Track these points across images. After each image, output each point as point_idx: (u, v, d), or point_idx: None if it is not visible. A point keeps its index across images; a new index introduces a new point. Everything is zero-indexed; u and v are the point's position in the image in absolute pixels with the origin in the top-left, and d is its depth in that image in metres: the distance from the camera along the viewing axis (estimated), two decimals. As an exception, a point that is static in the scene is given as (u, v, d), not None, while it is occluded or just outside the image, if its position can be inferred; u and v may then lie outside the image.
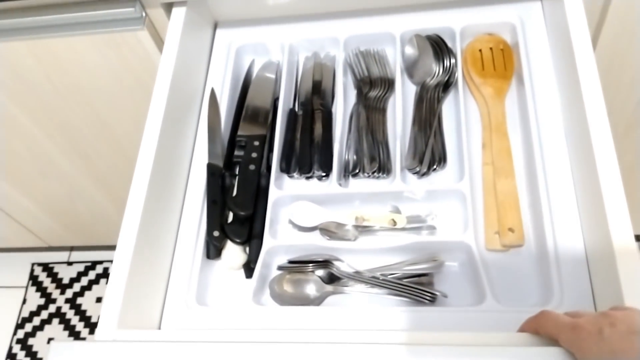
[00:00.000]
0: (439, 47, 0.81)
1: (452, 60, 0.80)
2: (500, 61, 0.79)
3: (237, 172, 0.76)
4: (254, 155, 0.76)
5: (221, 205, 0.73)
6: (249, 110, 0.82)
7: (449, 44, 0.81)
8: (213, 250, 0.71)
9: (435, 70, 0.80)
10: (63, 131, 1.05)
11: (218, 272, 0.72)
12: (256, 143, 0.78)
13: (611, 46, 0.83)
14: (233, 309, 0.66)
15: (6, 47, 0.86)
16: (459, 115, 0.75)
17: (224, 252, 0.71)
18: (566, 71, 0.71)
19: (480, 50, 0.80)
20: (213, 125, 0.80)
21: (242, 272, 0.71)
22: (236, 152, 0.78)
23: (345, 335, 0.53)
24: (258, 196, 0.74)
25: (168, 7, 0.81)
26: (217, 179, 0.75)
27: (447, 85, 0.80)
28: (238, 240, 0.71)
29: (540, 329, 0.51)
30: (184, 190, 0.76)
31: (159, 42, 0.85)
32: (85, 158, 1.14)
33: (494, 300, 0.62)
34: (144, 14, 0.81)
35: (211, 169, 0.75)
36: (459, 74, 0.78)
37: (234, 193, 0.74)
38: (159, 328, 0.67)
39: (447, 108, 0.79)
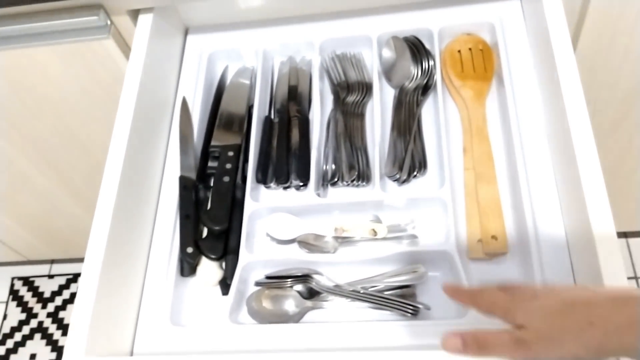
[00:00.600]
0: (416, 49, 0.79)
1: (431, 62, 0.78)
2: (480, 62, 0.77)
3: (211, 185, 0.74)
4: (228, 166, 0.73)
5: (195, 219, 0.70)
6: (222, 118, 0.79)
7: (427, 46, 0.79)
8: (187, 267, 0.68)
9: (413, 73, 0.78)
10: (34, 146, 1.02)
11: (193, 289, 0.69)
12: (230, 153, 0.75)
13: (592, 45, 0.81)
14: (209, 328, 0.64)
15: (-32, 60, 0.83)
16: (439, 118, 0.73)
17: (199, 269, 0.69)
18: (546, 71, 0.69)
19: (459, 51, 0.78)
20: (185, 136, 0.77)
21: (218, 288, 0.68)
22: (210, 164, 0.76)
23: (326, 358, 0.51)
24: (233, 209, 0.71)
25: (134, 14, 0.78)
26: (190, 192, 0.72)
27: (426, 88, 0.77)
28: (213, 256, 0.68)
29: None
30: (155, 204, 0.74)
31: (127, 50, 0.82)
32: (59, 172, 1.11)
33: (477, 314, 0.59)
34: (108, 22, 0.77)
35: (183, 182, 0.73)
36: (437, 77, 0.76)
37: (208, 207, 0.71)
38: (132, 351, 0.64)
39: (427, 112, 0.76)
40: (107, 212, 0.64)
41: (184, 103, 0.79)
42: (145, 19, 0.77)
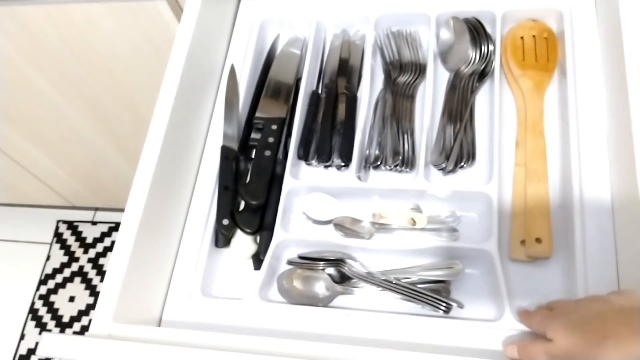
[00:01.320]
0: (477, 32, 0.75)
1: (491, 47, 0.74)
2: (543, 51, 0.72)
3: (252, 157, 0.73)
4: (271, 140, 0.72)
5: (233, 191, 0.70)
6: (270, 88, 0.78)
7: (488, 30, 0.75)
8: (222, 238, 0.68)
9: (471, 57, 0.74)
10: (83, 98, 1.03)
11: (226, 261, 0.69)
12: (274, 127, 0.73)
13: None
14: (238, 303, 0.64)
15: (24, 12, 0.83)
16: (493, 108, 0.70)
17: (234, 241, 0.69)
18: (614, 68, 0.65)
19: (522, 38, 0.74)
20: (230, 105, 0.76)
21: (250, 263, 0.68)
22: (253, 135, 0.75)
23: (349, 351, 0.50)
24: (272, 184, 0.70)
25: (189, -24, 0.76)
26: (230, 163, 0.72)
27: (482, 74, 0.74)
28: (248, 230, 0.67)
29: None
30: (196, 171, 0.73)
31: (179, 13, 0.81)
32: (106, 124, 1.12)
33: (513, 318, 0.58)
34: (163, -17, 0.76)
35: (225, 152, 0.72)
36: (496, 63, 0.72)
37: (247, 180, 0.70)
38: (160, 319, 0.64)
39: (481, 99, 0.73)
40: (148, 174, 0.65)
41: (232, 71, 0.78)
42: (199, -18, 0.75)
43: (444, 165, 0.69)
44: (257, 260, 0.67)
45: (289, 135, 0.74)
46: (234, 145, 0.73)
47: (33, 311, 1.58)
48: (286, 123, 0.75)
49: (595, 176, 0.63)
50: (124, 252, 0.60)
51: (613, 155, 0.63)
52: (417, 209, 0.68)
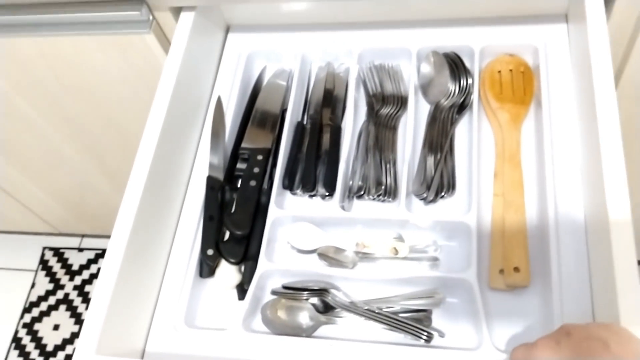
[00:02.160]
0: (456, 66, 0.78)
1: (469, 81, 0.76)
2: (520, 85, 0.75)
3: (237, 187, 0.74)
4: (256, 170, 0.74)
5: (218, 221, 0.71)
6: (256, 118, 0.79)
7: (467, 64, 0.78)
8: (206, 268, 0.69)
9: (450, 90, 0.77)
10: (72, 127, 1.04)
11: (210, 291, 0.70)
12: (259, 157, 0.75)
13: (637, 77, 0.78)
14: (221, 335, 0.64)
15: (13, 43, 0.85)
16: (472, 139, 0.72)
17: (218, 271, 0.69)
18: (586, 101, 0.67)
19: (499, 72, 0.76)
20: (217, 135, 0.77)
21: (235, 293, 0.69)
22: (238, 165, 0.76)
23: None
24: (257, 214, 0.71)
25: (176, 11, 0.78)
26: (216, 193, 0.73)
27: (462, 106, 0.76)
28: (232, 260, 0.68)
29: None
30: (181, 202, 0.74)
31: (167, 45, 0.82)
32: (94, 152, 1.13)
33: (492, 346, 0.59)
34: (150, 18, 0.78)
35: (211, 183, 0.73)
36: (475, 96, 0.75)
37: (232, 210, 0.71)
38: (144, 350, 0.65)
39: (461, 131, 0.75)
40: (134, 203, 0.65)
41: (219, 102, 0.80)
42: (187, 16, 0.77)
43: (425, 195, 0.70)
44: (241, 290, 0.68)
45: (274, 165, 0.75)
46: (220, 175, 0.74)
47: (16, 340, 1.56)
48: (272, 153, 0.76)
49: (570, 206, 0.65)
50: (108, 282, 0.61)
51: (586, 185, 0.65)
52: (400, 238, 0.69)
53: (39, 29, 0.81)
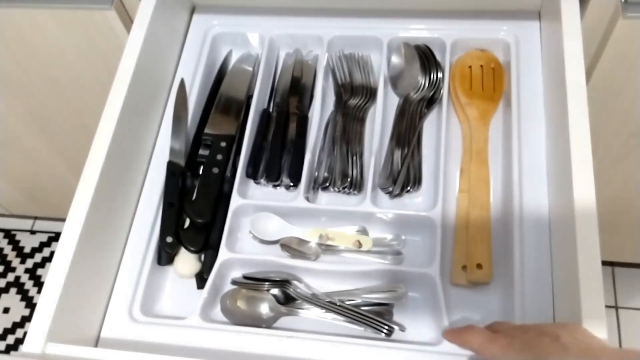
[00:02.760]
0: (427, 58, 0.77)
1: (440, 75, 0.76)
2: (490, 81, 0.75)
3: (199, 173, 0.72)
4: (219, 157, 0.72)
5: (178, 208, 0.69)
6: (220, 104, 0.77)
7: (438, 57, 0.77)
8: (165, 256, 0.67)
9: (420, 84, 0.76)
10: (26, 106, 1.00)
11: (168, 279, 0.68)
12: (223, 144, 0.73)
13: (608, 76, 0.79)
14: (179, 323, 0.62)
15: (-35, 14, 0.80)
16: (440, 134, 0.71)
17: (177, 259, 0.67)
18: (555, 99, 0.67)
19: (470, 67, 0.76)
20: (179, 119, 0.75)
21: (194, 281, 0.67)
22: (201, 151, 0.74)
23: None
24: (219, 202, 0.69)
25: (141, -13, 0.75)
26: (176, 179, 0.70)
27: (431, 100, 0.75)
28: (192, 249, 0.66)
29: (464, 343, 0.55)
30: (140, 186, 0.72)
31: (129, 24, 0.79)
32: (49, 132, 1.08)
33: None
34: (113, -7, 0.75)
35: (171, 168, 0.71)
36: (444, 91, 0.74)
37: (194, 197, 0.69)
38: (98, 337, 0.62)
39: (429, 125, 0.74)
40: (91, 185, 0.63)
41: (182, 85, 0.77)
42: (151, -6, 0.74)
43: (390, 189, 0.69)
44: (201, 279, 0.66)
45: (237, 153, 0.73)
46: (181, 161, 0.72)
47: (-36, 323, 1.50)
48: (235, 140, 0.74)
49: (534, 204, 0.65)
50: (61, 268, 0.58)
51: (552, 183, 0.66)
52: (364, 232, 0.68)
53: (-8, 0, 0.77)
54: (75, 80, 0.92)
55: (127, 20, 0.79)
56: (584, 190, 0.58)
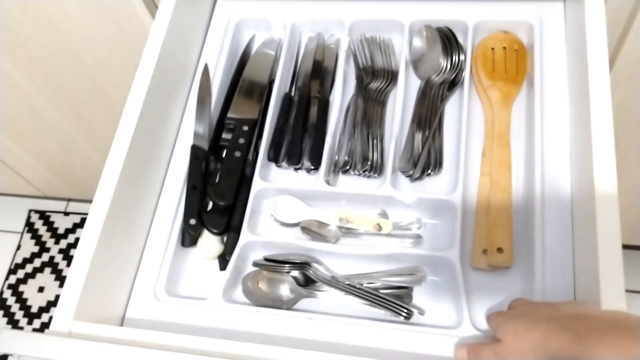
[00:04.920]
0: (448, 41, 0.76)
1: (462, 57, 0.75)
2: (513, 63, 0.74)
3: (222, 157, 0.73)
4: (242, 141, 0.73)
5: (201, 191, 0.70)
6: (243, 88, 0.78)
7: (460, 39, 0.76)
8: (188, 238, 0.69)
9: (442, 66, 0.75)
10: (57, 90, 1.02)
11: (192, 260, 0.70)
12: (245, 128, 0.74)
13: (633, 59, 0.77)
14: (202, 304, 0.64)
15: (-3, 2, 0.82)
16: (462, 117, 0.71)
17: (200, 241, 0.69)
18: (578, 82, 0.66)
19: (492, 49, 0.75)
20: (202, 104, 0.76)
21: (216, 263, 0.69)
22: (224, 135, 0.75)
23: (308, 356, 0.51)
24: (241, 185, 0.70)
25: (165, -26, 0.76)
26: (200, 162, 0.72)
27: (453, 83, 0.75)
28: (215, 231, 0.68)
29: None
30: (165, 169, 0.74)
31: (154, 10, 0.80)
32: (79, 116, 1.11)
33: (472, 325, 0.59)
34: (138, -21, 0.76)
35: (195, 152, 0.72)
36: (466, 73, 0.73)
37: (216, 180, 0.71)
38: (123, 317, 0.65)
39: (450, 108, 0.74)
40: (117, 168, 0.64)
41: (206, 70, 0.78)
42: (175, -20, 0.75)
43: (411, 172, 0.69)
44: (223, 260, 0.68)
45: (259, 136, 0.74)
46: (205, 145, 0.73)
47: (1, 300, 1.56)
48: (258, 124, 0.75)
49: (557, 188, 0.65)
50: (89, 248, 0.60)
51: (574, 167, 0.65)
52: (384, 215, 0.69)
53: (22, -11, 0.79)
54: (103, 66, 0.94)
55: (152, 6, 0.80)
56: (605, 176, 0.57)
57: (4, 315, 1.54)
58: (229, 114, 0.75)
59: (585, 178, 0.61)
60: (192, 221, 0.68)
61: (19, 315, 1.54)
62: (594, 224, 0.56)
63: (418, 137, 0.72)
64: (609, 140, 0.59)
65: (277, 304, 0.64)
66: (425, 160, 0.70)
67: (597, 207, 0.56)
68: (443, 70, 0.75)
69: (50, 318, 1.50)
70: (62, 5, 0.81)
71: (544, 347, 0.47)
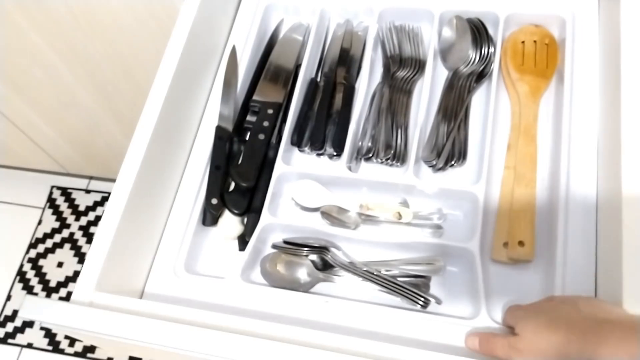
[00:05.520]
0: (479, 32, 0.76)
1: (491, 49, 0.74)
2: (543, 57, 0.73)
3: (245, 139, 0.73)
4: (266, 124, 0.73)
5: (224, 171, 0.71)
6: (269, 71, 0.78)
7: (491, 31, 0.75)
8: (209, 217, 0.69)
9: (471, 57, 0.75)
10: (84, 66, 1.03)
11: (212, 240, 0.70)
12: (270, 111, 0.74)
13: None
14: (220, 283, 0.64)
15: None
16: (488, 109, 0.70)
17: (221, 221, 0.69)
18: (610, 80, 0.65)
19: (523, 42, 0.74)
20: (229, 85, 0.76)
21: (236, 243, 0.69)
22: (248, 118, 0.75)
23: (324, 338, 0.51)
24: (263, 168, 0.71)
25: (197, -45, 0.76)
26: (224, 143, 0.72)
27: (481, 75, 0.74)
28: (236, 211, 0.68)
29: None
30: (189, 149, 0.74)
31: (185, -10, 0.80)
32: (105, 93, 1.12)
33: (488, 317, 0.59)
34: (170, -41, 0.76)
35: (219, 132, 0.73)
36: (495, 65, 0.73)
37: (239, 161, 0.71)
38: (143, 291, 0.65)
39: (477, 100, 0.73)
40: (142, 146, 0.65)
41: (233, 52, 0.78)
42: (206, -39, 0.75)
43: (434, 162, 0.69)
44: (243, 241, 0.68)
45: (284, 120, 0.74)
46: (229, 126, 0.74)
47: (21, 274, 1.59)
48: (282, 108, 0.75)
49: (583, 184, 0.64)
50: (112, 222, 0.61)
51: (601, 165, 0.64)
52: (405, 204, 0.68)
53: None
54: (133, 45, 0.94)
55: (183, -13, 0.80)
56: (634, 175, 0.56)
57: (24, 288, 1.57)
58: (255, 97, 0.76)
59: (612, 179, 0.60)
60: (214, 201, 0.68)
61: (37, 288, 1.56)
62: (620, 229, 0.55)
63: (443, 127, 0.71)
64: (638, 142, 0.58)
65: (295, 286, 0.65)
66: (449, 151, 0.69)
67: (623, 212, 0.56)
68: (471, 62, 0.75)
69: (68, 293, 1.53)
70: (94, -19, 0.82)
71: (563, 348, 0.48)
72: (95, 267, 0.58)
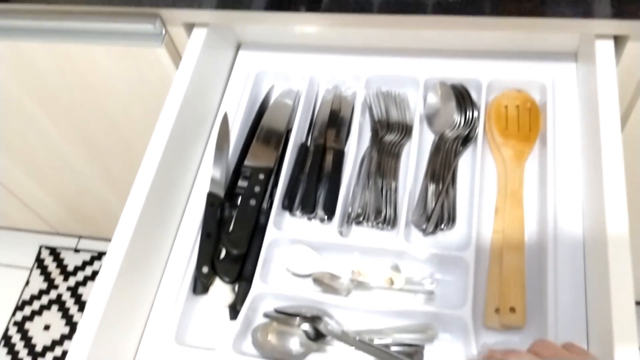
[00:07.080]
0: (462, 97, 0.78)
1: (475, 114, 0.76)
2: (526, 122, 0.75)
3: (237, 204, 0.74)
4: (257, 189, 0.74)
5: (215, 238, 0.71)
6: (261, 135, 0.79)
7: (474, 96, 0.78)
8: (200, 285, 0.69)
9: (456, 122, 0.77)
10: (78, 132, 1.05)
11: (202, 309, 0.70)
12: (261, 176, 0.75)
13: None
14: (210, 355, 0.64)
15: (26, 48, 0.85)
16: (475, 173, 0.72)
17: (212, 289, 0.69)
18: (590, 141, 0.67)
19: (506, 107, 0.76)
20: (220, 151, 0.77)
21: (227, 312, 0.69)
22: (240, 183, 0.76)
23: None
24: (254, 234, 0.71)
25: (189, 26, 0.79)
26: (215, 210, 0.73)
27: (466, 139, 0.76)
28: (227, 279, 0.68)
29: None
30: (181, 215, 0.74)
31: (178, 60, 0.83)
32: (98, 158, 1.13)
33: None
34: (163, 32, 0.79)
35: (210, 199, 0.73)
36: (480, 129, 0.74)
37: (231, 228, 0.71)
38: (133, 365, 0.65)
39: (464, 164, 0.75)
40: (134, 215, 0.66)
41: (225, 118, 0.80)
42: (199, 32, 0.78)
43: (424, 226, 0.70)
44: (234, 310, 0.68)
45: (275, 185, 0.75)
46: (221, 192, 0.74)
47: (6, 338, 1.55)
48: (274, 173, 0.76)
49: (569, 246, 0.65)
50: (104, 293, 0.61)
51: (587, 227, 0.65)
52: (396, 269, 0.69)
53: (52, 36, 0.82)
54: (126, 112, 0.96)
55: (176, 57, 0.83)
56: (618, 238, 0.57)
57: (8, 353, 1.53)
58: (246, 162, 0.77)
59: (598, 239, 0.61)
60: (205, 269, 0.68)
61: (22, 353, 1.53)
62: (608, 286, 0.56)
63: (431, 190, 0.72)
64: (621, 202, 0.60)
65: (286, 357, 0.64)
66: (438, 214, 0.70)
67: (610, 266, 0.57)
68: (457, 126, 0.77)
69: (54, 358, 1.49)
70: (89, 53, 0.84)
71: None
72: (84, 344, 0.58)
